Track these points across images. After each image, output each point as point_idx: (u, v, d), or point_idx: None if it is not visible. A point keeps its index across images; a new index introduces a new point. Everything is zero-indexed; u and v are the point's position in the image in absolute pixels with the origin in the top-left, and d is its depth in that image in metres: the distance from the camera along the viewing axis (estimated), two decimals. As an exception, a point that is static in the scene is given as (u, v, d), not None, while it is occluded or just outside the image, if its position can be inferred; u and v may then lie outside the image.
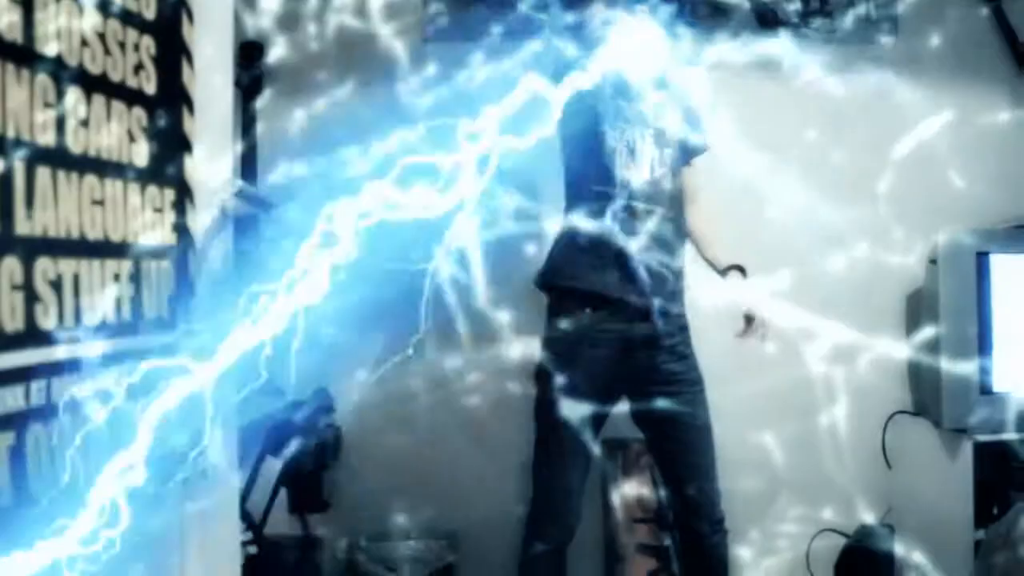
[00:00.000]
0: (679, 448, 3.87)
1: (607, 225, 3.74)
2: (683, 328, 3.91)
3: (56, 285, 1.77)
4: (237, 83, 4.04)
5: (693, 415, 3.83)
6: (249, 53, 4.71)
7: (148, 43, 2.13)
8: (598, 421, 3.85)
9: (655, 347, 3.78)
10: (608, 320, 3.76)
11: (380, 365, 4.88)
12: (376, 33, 4.92)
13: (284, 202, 4.58)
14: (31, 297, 1.71)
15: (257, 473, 4.24)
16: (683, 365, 3.85)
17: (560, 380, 3.74)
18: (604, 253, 3.76)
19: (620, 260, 3.74)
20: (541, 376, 3.88)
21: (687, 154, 4.06)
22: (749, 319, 3.89)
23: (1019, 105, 5.07)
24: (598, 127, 3.81)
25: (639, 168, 3.82)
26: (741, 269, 3.97)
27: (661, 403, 3.79)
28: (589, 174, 3.84)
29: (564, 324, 3.82)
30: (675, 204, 3.94)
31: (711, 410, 3.95)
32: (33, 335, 1.71)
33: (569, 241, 3.88)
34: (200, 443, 2.13)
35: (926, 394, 4.45)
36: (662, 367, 3.80)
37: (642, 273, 3.73)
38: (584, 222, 3.78)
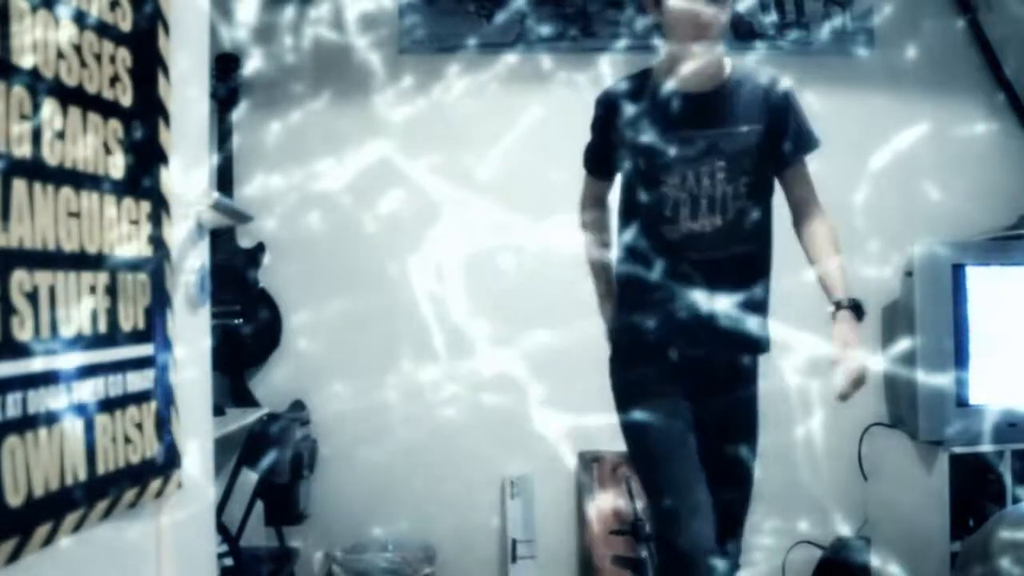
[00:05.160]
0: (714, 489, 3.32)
1: (667, 284, 3.33)
2: (744, 376, 3.50)
3: (32, 297, 1.76)
4: (213, 95, 4.04)
5: (736, 463, 3.43)
6: (225, 65, 4.71)
7: (124, 55, 2.12)
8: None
9: (712, 394, 3.38)
10: (669, 368, 3.32)
11: (356, 378, 4.89)
12: (352, 45, 4.93)
13: (260, 214, 4.58)
14: (7, 309, 1.70)
15: (233, 485, 4.24)
16: (734, 418, 3.48)
17: (647, 420, 3.31)
18: (664, 313, 3.33)
19: (681, 319, 3.31)
20: (630, 430, 3.42)
21: (782, 163, 3.46)
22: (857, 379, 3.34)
23: (995, 117, 5.09)
24: (655, 174, 3.34)
25: (707, 215, 3.31)
26: (858, 309, 3.43)
27: (712, 444, 3.37)
28: (645, 224, 3.39)
29: (631, 373, 3.42)
30: (755, 238, 3.43)
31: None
32: (9, 347, 1.70)
33: (628, 296, 3.47)
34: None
35: (902, 406, 4.46)
36: (717, 413, 3.39)
37: (703, 329, 3.30)
38: (641, 273, 3.38)
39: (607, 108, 3.49)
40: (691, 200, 3.31)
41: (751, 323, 3.40)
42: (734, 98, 3.36)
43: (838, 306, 3.41)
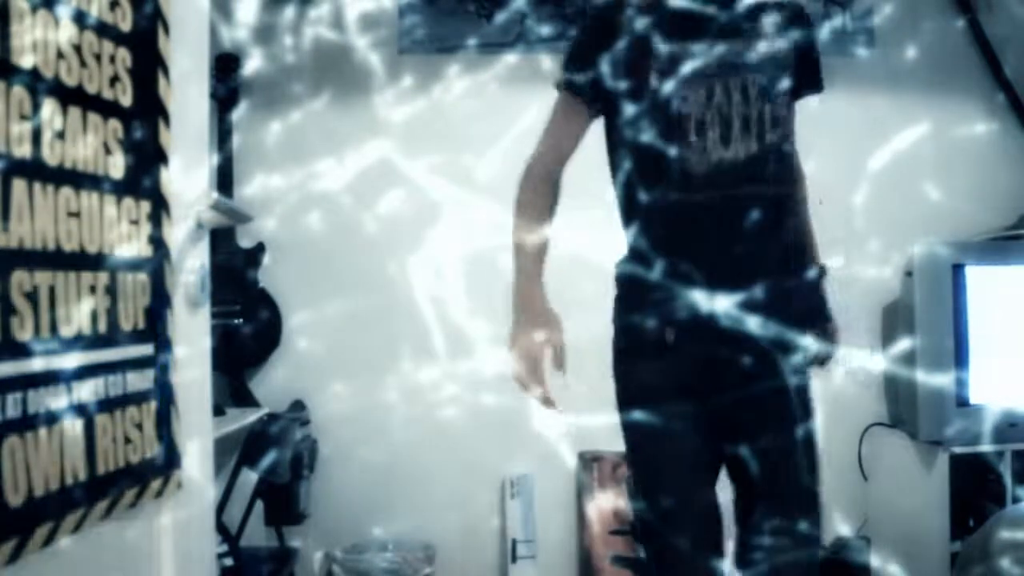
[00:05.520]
0: None
1: (679, 259, 2.66)
2: (771, 358, 2.75)
3: (32, 297, 1.77)
4: (213, 95, 4.04)
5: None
6: (225, 65, 4.70)
7: (124, 55, 2.12)
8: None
9: (742, 387, 2.72)
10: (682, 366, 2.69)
11: (356, 378, 4.88)
12: (352, 45, 4.92)
13: (260, 214, 4.58)
14: (7, 309, 1.70)
15: (233, 485, 4.24)
16: (772, 410, 2.78)
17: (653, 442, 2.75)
18: (675, 297, 2.66)
19: (699, 310, 2.66)
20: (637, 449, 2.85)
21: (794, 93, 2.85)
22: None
23: (994, 117, 5.09)
24: (675, 87, 2.66)
25: (741, 139, 2.64)
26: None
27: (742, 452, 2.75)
28: (654, 171, 2.69)
29: (638, 375, 2.82)
30: (787, 178, 2.81)
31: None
32: (9, 347, 1.70)
33: (632, 295, 2.83)
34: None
35: (902, 406, 4.46)
36: (746, 415, 2.75)
37: (723, 312, 2.66)
38: (647, 253, 2.71)
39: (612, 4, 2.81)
40: (721, 120, 2.63)
41: (800, 293, 2.83)
42: (760, 3, 2.75)
43: (823, 271, 3.05)
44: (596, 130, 2.92)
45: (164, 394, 2.28)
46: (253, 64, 4.85)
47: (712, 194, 2.63)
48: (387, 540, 4.82)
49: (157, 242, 2.26)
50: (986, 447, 4.13)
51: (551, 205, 2.92)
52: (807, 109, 3.13)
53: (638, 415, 2.76)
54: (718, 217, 2.64)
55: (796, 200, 2.90)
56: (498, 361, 4.31)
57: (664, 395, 2.73)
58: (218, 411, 4.14)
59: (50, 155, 1.84)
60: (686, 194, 2.64)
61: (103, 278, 2.02)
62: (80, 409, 1.92)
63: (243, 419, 4.30)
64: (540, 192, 2.92)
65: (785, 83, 2.73)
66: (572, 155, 2.93)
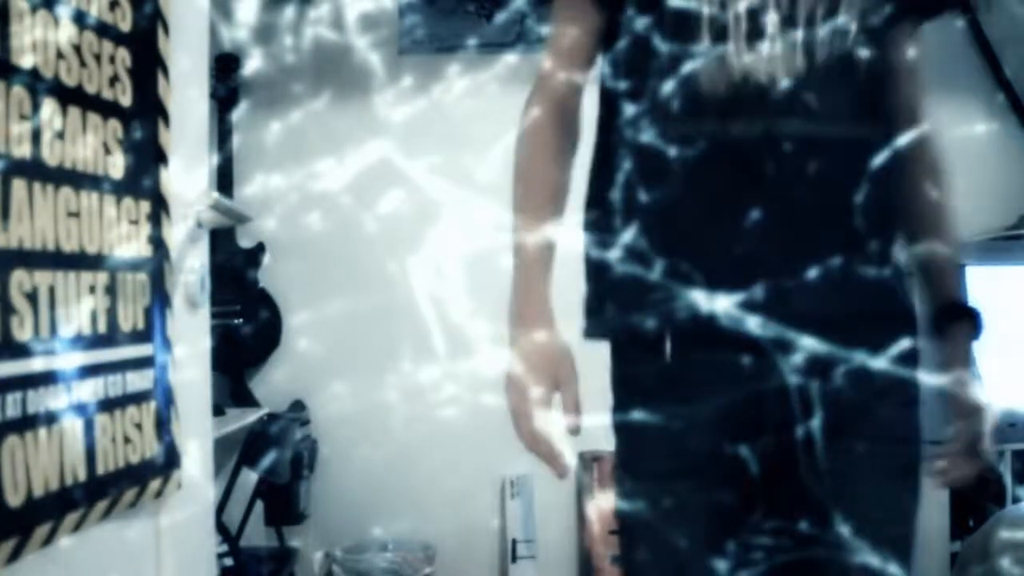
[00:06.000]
0: None
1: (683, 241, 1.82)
2: (880, 393, 1.89)
3: (32, 297, 1.76)
4: (213, 95, 4.03)
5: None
6: (225, 65, 4.70)
7: (124, 55, 2.12)
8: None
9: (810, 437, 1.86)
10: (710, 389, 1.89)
11: (356, 378, 4.87)
12: (352, 45, 4.92)
13: (261, 214, 4.57)
14: (6, 309, 1.70)
15: (233, 485, 4.23)
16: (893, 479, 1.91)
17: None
18: (680, 267, 1.82)
19: (720, 274, 1.86)
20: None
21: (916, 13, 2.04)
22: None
23: (995, 117, 5.08)
24: None
25: (781, 45, 1.69)
26: (975, 318, 2.14)
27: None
28: (652, 85, 1.81)
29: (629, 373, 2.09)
30: (865, 114, 1.85)
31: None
32: (8, 347, 1.70)
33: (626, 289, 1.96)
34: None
35: (902, 406, 4.45)
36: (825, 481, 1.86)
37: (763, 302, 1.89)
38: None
39: None
40: (750, 15, 1.70)
41: (867, 277, 1.89)
42: None
43: (955, 313, 2.11)
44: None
45: (164, 394, 2.28)
46: (253, 64, 4.84)
47: (729, 131, 1.71)
48: (387, 540, 4.82)
49: (157, 242, 2.26)
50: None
51: (571, 149, 2.05)
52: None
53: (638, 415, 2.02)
54: (733, 173, 1.73)
55: (890, 160, 1.93)
56: (498, 361, 4.32)
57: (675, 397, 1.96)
58: (218, 411, 4.13)
59: (50, 155, 1.84)
60: (688, 127, 1.73)
61: (103, 278, 2.02)
62: (80, 409, 1.92)
63: (243, 419, 4.30)
64: (561, 125, 2.04)
65: None
66: (590, 73, 2.06)
